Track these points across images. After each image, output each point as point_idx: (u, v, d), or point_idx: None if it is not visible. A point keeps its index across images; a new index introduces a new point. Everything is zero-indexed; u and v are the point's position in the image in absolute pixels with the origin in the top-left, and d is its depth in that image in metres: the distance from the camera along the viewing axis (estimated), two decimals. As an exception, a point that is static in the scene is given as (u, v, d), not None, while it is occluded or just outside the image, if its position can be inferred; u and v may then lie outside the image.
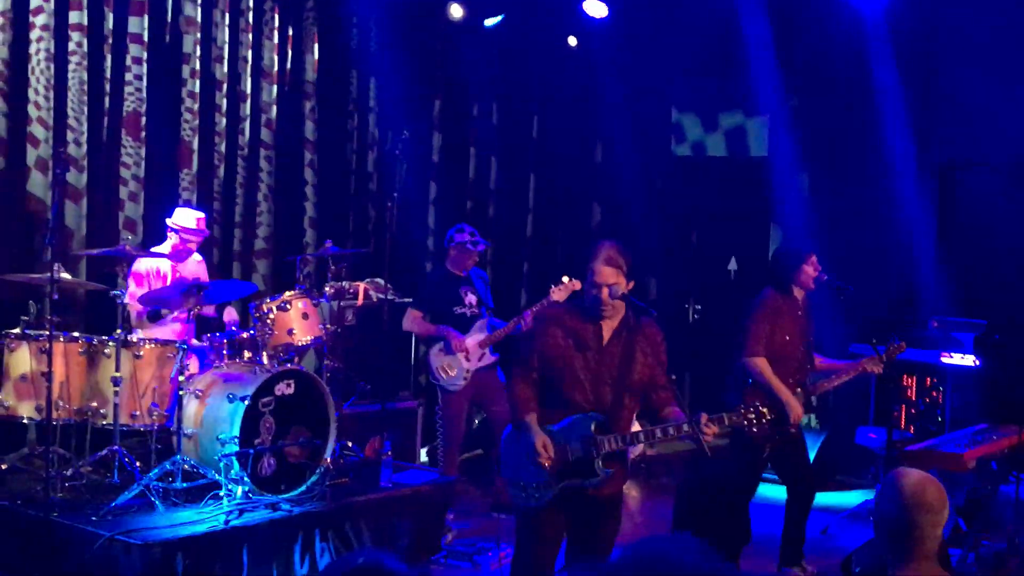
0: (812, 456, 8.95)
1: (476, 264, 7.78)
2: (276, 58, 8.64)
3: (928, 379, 8.88)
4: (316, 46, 8.92)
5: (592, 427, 4.81)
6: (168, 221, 7.08)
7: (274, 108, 8.64)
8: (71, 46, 7.35)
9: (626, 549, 2.29)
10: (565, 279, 7.36)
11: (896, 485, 3.45)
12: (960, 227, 9.88)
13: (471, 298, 7.59)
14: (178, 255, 7.06)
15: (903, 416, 8.96)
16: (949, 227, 9.89)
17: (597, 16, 9.60)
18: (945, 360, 8.76)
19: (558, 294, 7.29)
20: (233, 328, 6.97)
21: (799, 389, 6.52)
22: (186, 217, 7.07)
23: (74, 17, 7.35)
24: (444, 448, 7.59)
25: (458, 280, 7.61)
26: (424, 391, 9.23)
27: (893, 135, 9.84)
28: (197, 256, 7.29)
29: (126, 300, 6.39)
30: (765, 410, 4.81)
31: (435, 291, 7.59)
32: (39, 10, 7.17)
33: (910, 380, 8.94)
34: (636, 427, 5.05)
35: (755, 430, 4.87)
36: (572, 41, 10.29)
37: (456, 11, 9.27)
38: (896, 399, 8.96)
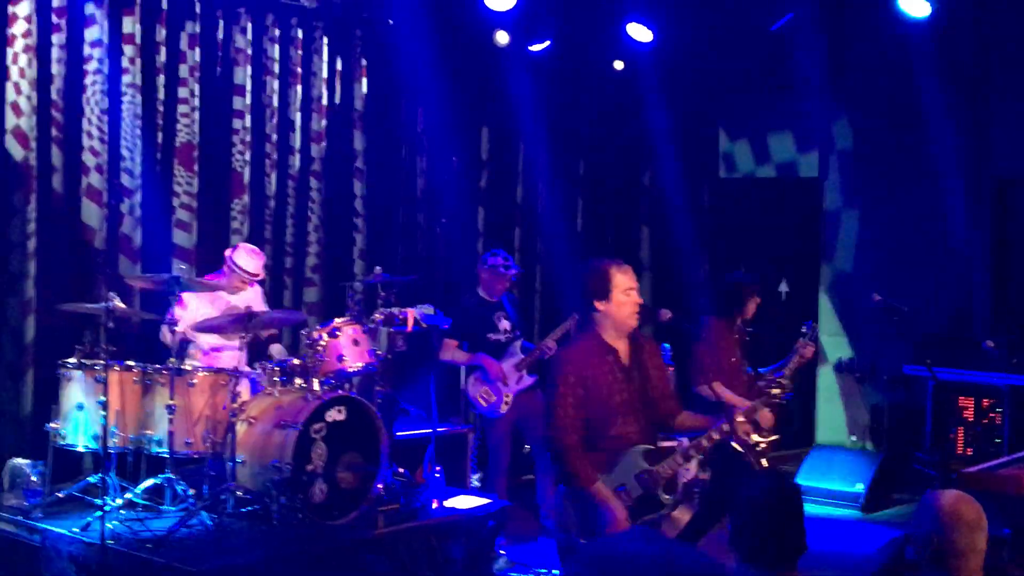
0: (870, 478, 8.86)
1: (508, 289, 7.82)
2: (325, 91, 8.71)
3: (985, 400, 8.74)
4: (364, 79, 8.98)
5: (642, 460, 4.77)
6: (228, 255, 7.16)
7: (324, 140, 8.71)
8: (125, 79, 7.48)
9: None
10: None
11: (932, 506, 3.50)
12: (1016, 244, 9.73)
13: (505, 324, 7.65)
14: (233, 289, 7.13)
15: (960, 438, 8.81)
16: (1005, 244, 9.74)
17: (642, 40, 9.58)
18: (1003, 380, 8.61)
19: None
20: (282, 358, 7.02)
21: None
22: (250, 262, 7.13)
23: (128, 51, 7.48)
24: (492, 475, 7.60)
25: (491, 306, 7.68)
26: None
27: (946, 151, 9.73)
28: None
29: (178, 328, 6.48)
30: (784, 381, 4.93)
31: (469, 320, 7.65)
32: (96, 43, 7.30)
33: (967, 401, 8.80)
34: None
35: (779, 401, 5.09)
36: (618, 65, 10.27)
37: (502, 38, 9.28)
38: (953, 421, 8.83)
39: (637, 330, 4.95)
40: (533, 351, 7.60)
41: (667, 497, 4.78)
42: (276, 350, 7.30)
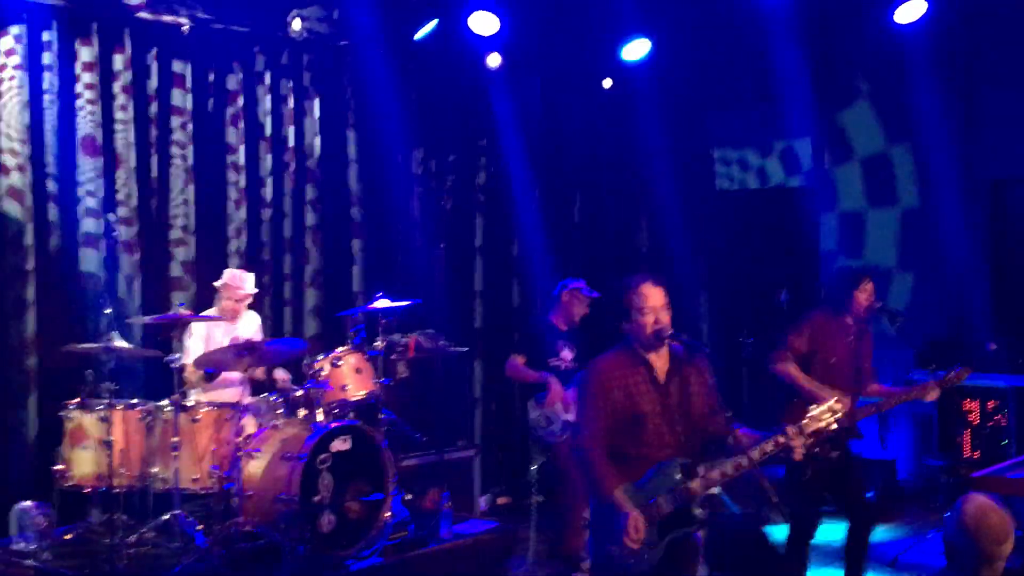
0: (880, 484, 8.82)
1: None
2: (319, 126, 8.68)
3: (991, 402, 8.72)
4: (352, 113, 8.92)
5: (678, 474, 4.71)
6: (217, 285, 7.19)
7: (319, 171, 8.68)
8: (118, 116, 7.53)
9: None
10: None
11: (959, 511, 3.56)
12: (1012, 243, 9.73)
13: (567, 353, 7.50)
14: (230, 315, 7.12)
15: (967, 441, 8.79)
16: (1001, 244, 9.74)
17: (635, 58, 9.57)
18: (1006, 382, 8.60)
19: None
20: (286, 387, 7.00)
21: None
22: (238, 279, 7.14)
23: (120, 87, 7.54)
24: (568, 508, 7.17)
25: (557, 333, 7.51)
26: (484, 439, 9.21)
27: (940, 154, 9.74)
28: (253, 316, 7.37)
29: (185, 362, 6.48)
30: (836, 404, 4.76)
31: (534, 339, 7.53)
32: (83, 96, 7.37)
33: (972, 404, 8.78)
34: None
35: (832, 427, 4.74)
36: (607, 83, 10.27)
37: (493, 61, 9.24)
38: (960, 424, 8.81)
39: (682, 348, 4.89)
40: None
41: (700, 512, 4.72)
42: (280, 374, 7.27)
